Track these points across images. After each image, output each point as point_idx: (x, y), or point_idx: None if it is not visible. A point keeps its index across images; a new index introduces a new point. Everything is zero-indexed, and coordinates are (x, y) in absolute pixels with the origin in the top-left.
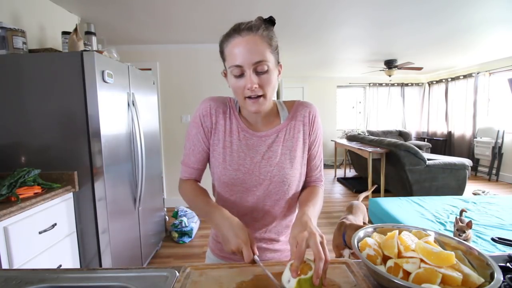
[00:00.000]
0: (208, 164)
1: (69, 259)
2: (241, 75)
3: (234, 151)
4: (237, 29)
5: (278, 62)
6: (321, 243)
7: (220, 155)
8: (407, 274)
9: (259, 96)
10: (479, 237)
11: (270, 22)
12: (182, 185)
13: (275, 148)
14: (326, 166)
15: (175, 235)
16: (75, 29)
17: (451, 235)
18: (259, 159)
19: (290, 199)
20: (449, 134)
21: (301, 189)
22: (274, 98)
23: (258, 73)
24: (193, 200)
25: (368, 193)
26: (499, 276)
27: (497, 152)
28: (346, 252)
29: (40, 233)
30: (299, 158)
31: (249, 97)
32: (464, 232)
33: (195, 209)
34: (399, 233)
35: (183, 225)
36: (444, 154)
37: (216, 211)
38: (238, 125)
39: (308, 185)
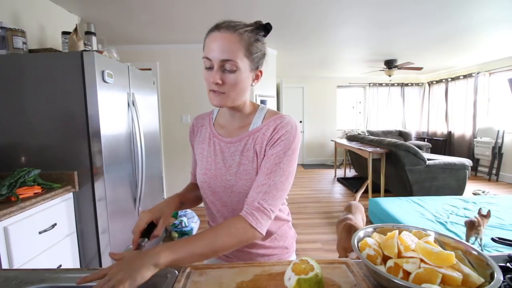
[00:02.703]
0: None
1: (69, 259)
2: (210, 68)
3: (204, 156)
4: (218, 25)
5: (257, 68)
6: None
7: (197, 161)
8: (407, 274)
9: (221, 93)
10: None
11: (263, 28)
12: None
13: (235, 157)
14: (326, 166)
15: (175, 235)
16: (75, 29)
17: (451, 235)
18: (221, 166)
19: None
20: (449, 134)
21: None
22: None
23: (224, 70)
24: None
25: (362, 189)
26: (499, 276)
27: (497, 152)
28: (354, 254)
29: (40, 233)
30: (256, 171)
31: (214, 91)
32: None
33: None
34: (399, 233)
35: (183, 225)
36: (444, 154)
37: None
38: (211, 132)
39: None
